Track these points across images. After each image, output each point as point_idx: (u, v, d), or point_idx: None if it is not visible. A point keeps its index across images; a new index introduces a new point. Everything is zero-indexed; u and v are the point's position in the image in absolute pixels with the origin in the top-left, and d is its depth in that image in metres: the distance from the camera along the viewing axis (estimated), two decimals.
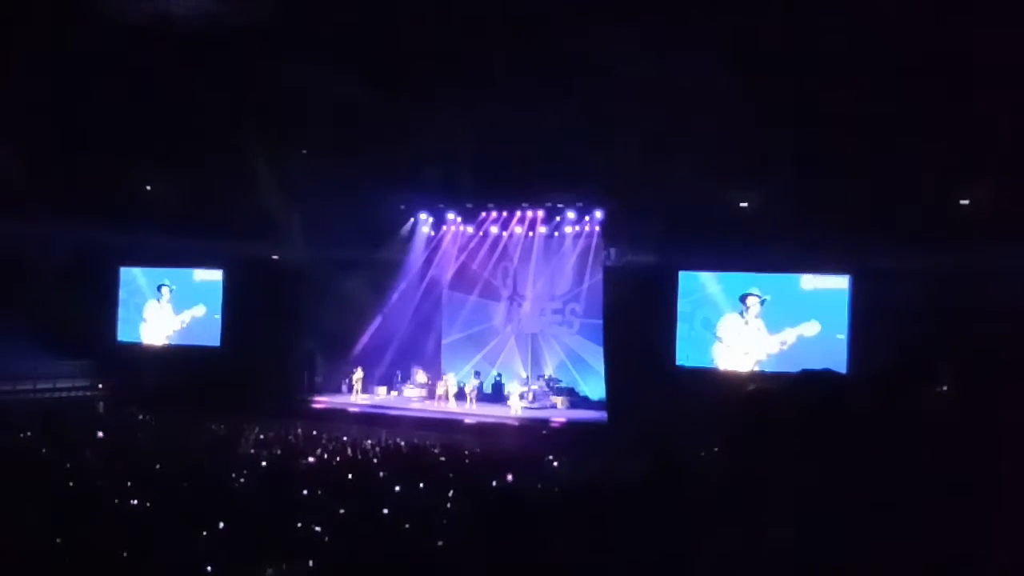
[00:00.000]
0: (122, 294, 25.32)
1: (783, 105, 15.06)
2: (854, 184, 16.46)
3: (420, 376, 24.11)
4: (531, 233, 23.67)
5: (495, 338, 24.69)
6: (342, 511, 9.59)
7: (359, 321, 24.12)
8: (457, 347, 25.13)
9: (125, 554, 7.50)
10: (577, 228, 22.89)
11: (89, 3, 13.44)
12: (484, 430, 19.88)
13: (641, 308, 19.66)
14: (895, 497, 3.22)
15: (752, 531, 3.33)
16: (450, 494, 10.87)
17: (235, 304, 23.83)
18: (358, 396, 23.37)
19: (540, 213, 23.12)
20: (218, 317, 24.20)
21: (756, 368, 19.29)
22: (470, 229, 24.32)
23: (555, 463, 14.48)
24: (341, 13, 13.80)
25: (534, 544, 4.34)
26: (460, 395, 22.75)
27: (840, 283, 18.83)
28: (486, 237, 24.20)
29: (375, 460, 14.65)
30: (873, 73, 13.95)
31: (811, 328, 18.82)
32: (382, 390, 24.00)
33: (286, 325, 22.77)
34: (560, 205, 22.54)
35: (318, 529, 8.73)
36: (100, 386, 23.25)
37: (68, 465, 12.26)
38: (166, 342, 24.86)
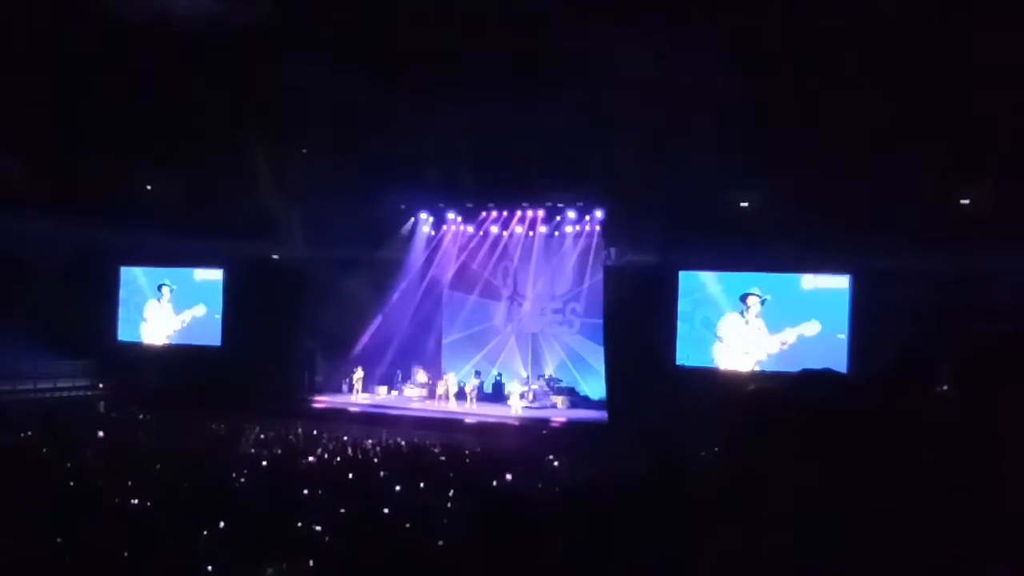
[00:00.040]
0: (122, 294, 25.33)
1: (783, 105, 15.07)
2: (854, 184, 16.45)
3: (420, 376, 24.11)
4: (531, 233, 23.68)
5: (495, 338, 24.68)
6: (342, 511, 9.59)
7: (359, 321, 24.12)
8: (457, 347, 25.12)
9: (126, 554, 7.50)
10: (577, 228, 22.89)
11: (89, 3, 13.43)
12: (484, 430, 19.88)
13: (641, 308, 19.66)
14: (896, 497, 3.22)
15: (752, 531, 3.33)
16: (450, 494, 10.87)
17: (235, 304, 23.83)
18: (358, 396, 23.37)
19: (540, 213, 23.13)
20: (218, 317, 24.20)
21: (756, 368, 19.29)
22: (470, 229, 24.32)
23: (555, 463, 14.47)
24: (341, 13, 13.80)
25: (534, 544, 4.34)
26: (460, 395, 22.76)
27: (840, 283, 18.83)
28: (486, 237, 24.20)
29: (375, 460, 14.65)
30: (873, 73, 13.95)
31: (811, 328, 18.81)
32: (382, 390, 24.00)
33: (286, 325, 22.76)
34: (560, 205, 22.54)
35: (318, 529, 8.73)
36: (100, 386, 23.26)
37: (69, 465, 12.26)
38: (166, 342, 24.87)
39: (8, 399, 20.33)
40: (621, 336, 20.06)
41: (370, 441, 17.05)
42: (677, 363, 19.70)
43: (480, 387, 23.14)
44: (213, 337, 24.10)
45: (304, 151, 20.27)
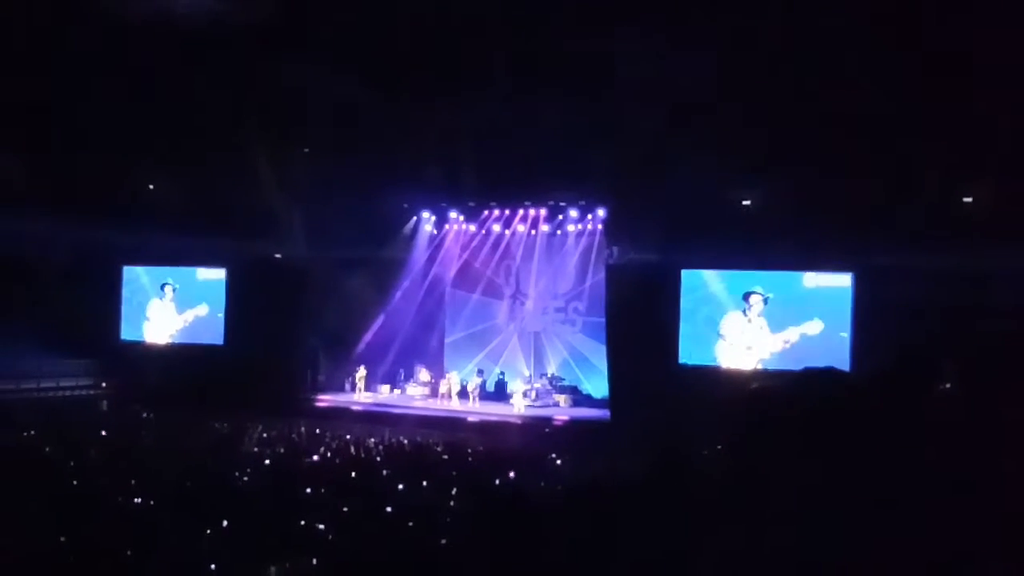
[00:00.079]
0: (125, 293, 25.36)
1: (784, 103, 15.04)
2: (857, 181, 16.44)
3: (423, 374, 24.13)
4: (534, 231, 23.69)
5: (498, 336, 24.70)
6: (345, 509, 9.59)
7: (362, 319, 24.16)
8: (460, 345, 25.14)
9: (129, 553, 7.51)
10: (580, 226, 22.90)
11: (89, 3, 13.44)
12: (487, 428, 19.89)
13: (644, 306, 19.66)
14: (899, 495, 3.22)
15: (755, 529, 3.33)
16: (453, 492, 10.87)
17: (238, 303, 23.86)
18: (361, 394, 23.39)
19: (543, 211, 23.14)
20: (221, 316, 24.23)
21: (759, 366, 19.28)
22: (473, 227, 24.34)
23: (558, 461, 14.47)
24: (343, 12, 13.80)
25: (537, 542, 4.34)
26: (463, 393, 22.78)
27: (843, 281, 18.80)
28: (489, 235, 24.22)
29: (378, 458, 14.64)
30: (874, 72, 13.93)
31: (814, 327, 18.79)
32: (385, 388, 24.03)
33: (289, 324, 22.79)
34: (563, 203, 22.55)
35: (321, 527, 8.73)
36: (103, 385, 23.30)
37: (72, 464, 12.26)
38: (169, 341, 24.90)
39: (11, 398, 20.37)
40: (623, 334, 20.05)
41: (373, 440, 17.05)
42: (680, 362, 19.70)
43: (483, 386, 23.15)
44: (216, 336, 24.13)
45: (306, 150, 20.27)
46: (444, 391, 23.03)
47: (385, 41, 14.51)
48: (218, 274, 24.53)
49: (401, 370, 24.53)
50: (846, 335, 18.43)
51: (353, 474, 12.41)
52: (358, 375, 23.57)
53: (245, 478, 11.77)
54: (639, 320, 19.62)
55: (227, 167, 20.32)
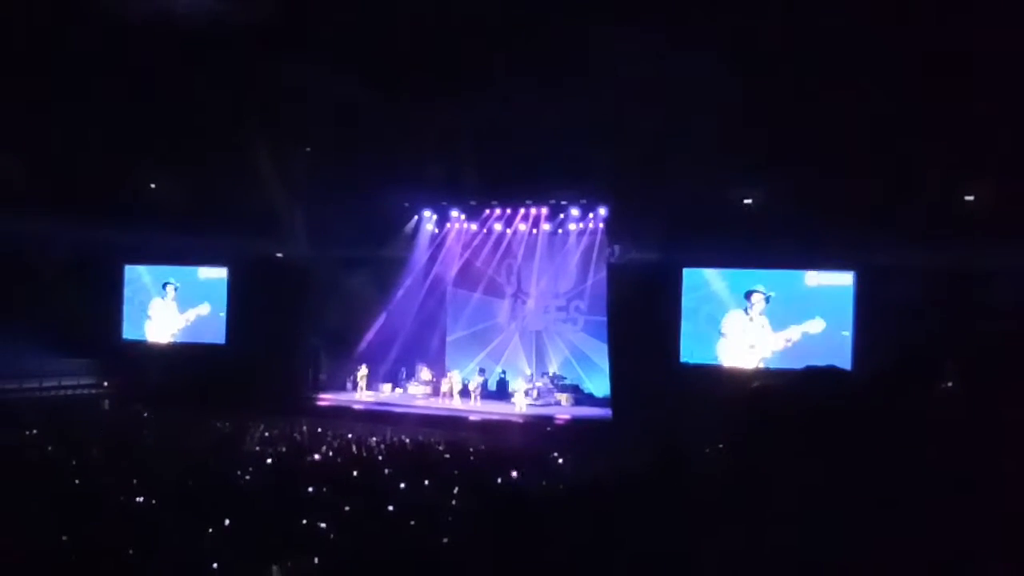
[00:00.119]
0: (127, 292, 25.39)
1: (785, 102, 15.03)
2: (858, 180, 16.43)
3: (424, 373, 24.14)
4: (535, 230, 23.69)
5: (499, 335, 24.71)
6: (347, 508, 9.61)
7: (363, 318, 24.17)
8: (461, 344, 25.15)
9: (131, 552, 7.52)
10: (581, 225, 22.89)
11: (89, 3, 13.44)
12: (489, 427, 19.90)
13: (645, 305, 19.65)
14: (900, 495, 3.22)
15: (756, 528, 3.33)
16: (455, 491, 10.88)
17: (240, 302, 23.88)
18: (363, 393, 23.40)
19: (544, 210, 23.14)
20: (223, 315, 24.26)
21: (761, 365, 19.28)
22: (474, 226, 24.34)
23: (560, 460, 14.48)
24: (344, 12, 13.80)
25: (539, 541, 4.34)
26: (464, 392, 22.79)
27: (845, 279, 18.80)
28: (490, 234, 24.22)
29: (380, 457, 14.66)
30: (874, 71, 13.92)
31: (816, 325, 18.79)
32: (387, 387, 24.03)
33: (291, 323, 22.81)
34: (564, 202, 22.55)
35: (323, 526, 8.74)
36: (105, 384, 23.34)
37: (74, 463, 12.29)
38: (171, 340, 24.92)
39: (13, 397, 20.40)
40: (625, 333, 20.05)
41: (374, 439, 17.07)
42: (681, 360, 19.70)
43: (484, 384, 23.16)
44: (217, 335, 24.15)
45: (308, 149, 20.28)
46: (446, 390, 23.04)
47: (386, 40, 14.51)
48: (220, 273, 24.56)
49: (403, 369, 24.53)
50: (848, 334, 18.43)
51: (355, 473, 12.43)
52: (360, 374, 23.58)
53: (247, 477, 11.79)
54: (640, 319, 19.61)
55: (229, 166, 20.33)
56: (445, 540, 7.72)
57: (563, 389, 22.64)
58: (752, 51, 13.74)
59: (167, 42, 14.25)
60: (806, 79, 14.50)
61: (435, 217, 24.59)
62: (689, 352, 19.80)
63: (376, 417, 20.95)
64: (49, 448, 13.88)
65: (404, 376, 24.40)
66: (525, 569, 4.22)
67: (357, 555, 7.84)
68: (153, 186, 22.22)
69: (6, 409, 18.47)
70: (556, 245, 23.75)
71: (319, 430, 18.02)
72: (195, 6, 12.93)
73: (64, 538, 7.68)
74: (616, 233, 21.26)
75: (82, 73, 15.52)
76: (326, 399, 23.00)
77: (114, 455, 13.37)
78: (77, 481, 10.89)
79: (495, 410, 21.42)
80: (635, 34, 12.75)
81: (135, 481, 10.87)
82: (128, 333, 25.20)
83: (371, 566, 7.29)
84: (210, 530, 8.34)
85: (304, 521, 8.84)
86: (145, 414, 19.74)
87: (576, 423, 20.31)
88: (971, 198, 16.90)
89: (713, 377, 18.77)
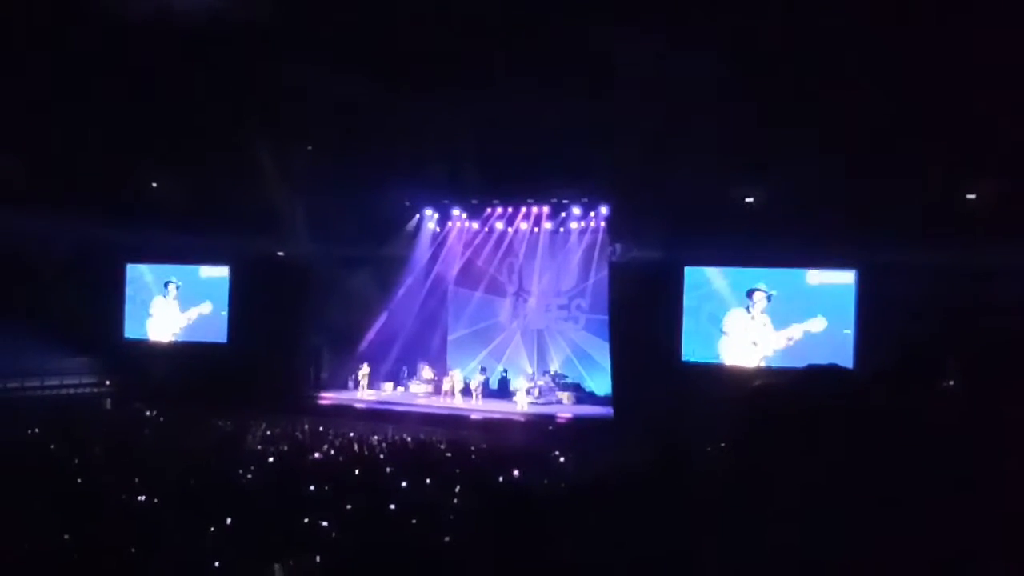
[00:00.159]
0: (129, 291, 25.41)
1: (786, 101, 15.03)
2: (859, 179, 16.41)
3: (426, 372, 24.15)
4: (536, 229, 23.69)
5: (501, 334, 24.71)
6: (349, 507, 9.60)
7: (365, 317, 24.18)
8: (463, 343, 25.16)
9: (133, 550, 7.52)
10: (582, 224, 22.89)
11: (89, 3, 13.44)
12: (490, 426, 19.90)
13: (647, 303, 19.64)
14: (901, 494, 3.21)
15: (757, 527, 3.33)
16: (456, 490, 10.88)
17: (241, 301, 23.90)
18: (364, 392, 23.41)
19: (545, 209, 23.14)
20: (224, 314, 24.28)
21: (762, 363, 19.27)
22: (475, 225, 24.34)
23: (561, 459, 14.47)
24: (345, 11, 13.80)
25: (541, 540, 4.34)
26: (466, 391, 22.79)
27: (846, 278, 18.79)
28: (491, 233, 24.22)
29: (381, 456, 14.66)
30: (875, 70, 13.91)
31: (818, 324, 18.78)
32: (388, 386, 24.04)
33: (292, 321, 22.82)
34: (565, 201, 22.56)
35: (325, 524, 8.74)
36: (107, 383, 23.36)
37: (76, 461, 12.30)
38: (173, 339, 24.94)
39: (15, 396, 20.43)
40: (626, 332, 20.05)
41: (376, 437, 17.08)
42: (683, 359, 19.70)
43: (486, 383, 23.16)
44: (219, 334, 24.17)
45: (309, 148, 20.28)
46: (447, 389, 23.05)
47: (387, 39, 14.51)
48: (221, 272, 24.57)
49: (404, 368, 24.55)
50: (850, 332, 18.42)
51: (356, 472, 12.42)
52: (361, 373, 23.59)
53: (248, 476, 11.79)
54: (642, 317, 19.61)
55: (230, 165, 20.35)
56: (447, 539, 7.72)
57: (565, 388, 22.65)
58: (752, 51, 13.74)
59: (167, 41, 14.26)
60: (806, 79, 14.49)
61: (436, 216, 24.60)
62: (691, 351, 19.80)
63: (377, 416, 20.96)
64: (51, 447, 13.88)
65: (405, 375, 24.41)
66: (527, 568, 4.22)
67: (359, 554, 7.83)
68: (155, 185, 22.25)
69: (8, 407, 18.49)
70: (558, 244, 23.75)
71: (320, 429, 18.02)
72: (194, 6, 12.93)
73: (66, 537, 7.68)
74: (617, 231, 21.25)
75: (83, 72, 15.54)
76: (327, 398, 23.01)
77: (116, 454, 13.38)
78: (79, 480, 10.89)
79: (496, 409, 21.43)
80: (636, 34, 12.75)
81: (137, 480, 10.87)
82: (130, 332, 25.22)
83: (373, 565, 7.29)
84: (212, 529, 8.34)
85: (306, 520, 8.84)
86: (147, 413, 19.77)
87: (578, 422, 20.31)
88: (972, 196, 16.88)
89: (714, 376, 18.77)
